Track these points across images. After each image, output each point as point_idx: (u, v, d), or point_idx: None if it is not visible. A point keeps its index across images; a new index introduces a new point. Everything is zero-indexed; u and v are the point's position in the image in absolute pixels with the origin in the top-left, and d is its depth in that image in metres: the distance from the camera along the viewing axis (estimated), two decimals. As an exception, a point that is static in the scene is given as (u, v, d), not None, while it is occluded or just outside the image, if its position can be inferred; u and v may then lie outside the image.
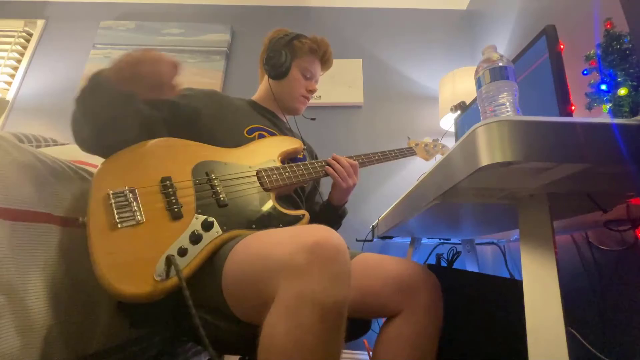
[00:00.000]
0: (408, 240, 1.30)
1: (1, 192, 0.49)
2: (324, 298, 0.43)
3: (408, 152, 1.05)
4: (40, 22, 2.05)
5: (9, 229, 0.48)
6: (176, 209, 0.60)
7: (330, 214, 0.91)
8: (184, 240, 0.57)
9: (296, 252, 0.45)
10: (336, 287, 0.44)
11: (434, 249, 1.48)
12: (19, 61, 1.96)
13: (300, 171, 0.79)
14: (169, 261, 0.52)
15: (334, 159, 0.85)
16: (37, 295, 0.50)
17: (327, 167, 0.83)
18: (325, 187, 1.04)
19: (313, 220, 0.87)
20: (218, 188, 0.66)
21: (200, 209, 0.62)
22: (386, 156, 0.98)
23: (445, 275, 0.70)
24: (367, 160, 0.93)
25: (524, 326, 0.40)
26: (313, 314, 0.42)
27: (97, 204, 0.56)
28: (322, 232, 0.48)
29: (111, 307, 0.62)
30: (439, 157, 1.09)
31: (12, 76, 1.92)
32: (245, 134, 0.81)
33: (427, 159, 1.11)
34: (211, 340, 0.58)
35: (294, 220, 0.71)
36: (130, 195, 0.58)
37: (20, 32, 1.99)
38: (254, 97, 0.98)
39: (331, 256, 0.45)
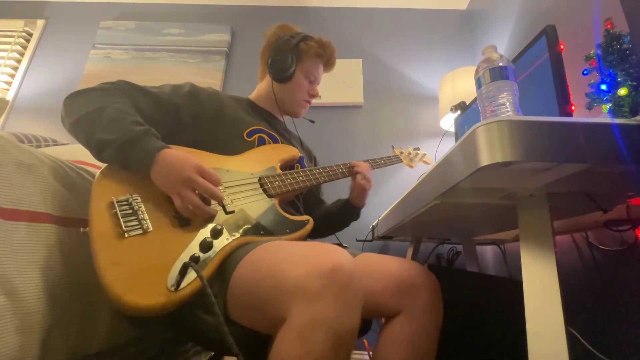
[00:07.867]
0: (408, 240, 1.31)
1: (1, 192, 0.49)
2: (337, 325, 0.43)
3: (396, 159, 1.10)
4: (40, 22, 2.04)
5: (9, 229, 0.48)
6: (184, 216, 0.59)
7: (351, 214, 0.95)
8: (194, 248, 0.56)
9: (311, 276, 0.45)
10: (349, 314, 0.44)
11: (434, 249, 1.49)
12: (19, 61, 1.95)
13: (301, 177, 0.79)
14: (185, 268, 0.51)
15: (354, 165, 0.90)
16: (37, 295, 0.50)
17: (355, 169, 0.90)
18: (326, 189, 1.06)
19: (324, 218, 0.93)
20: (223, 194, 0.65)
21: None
22: (377, 164, 1.01)
23: (445, 275, 0.70)
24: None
25: (524, 326, 0.40)
26: (325, 340, 0.41)
27: (100, 213, 0.54)
28: (337, 257, 0.47)
29: (111, 307, 0.62)
30: (421, 164, 1.25)
31: (12, 76, 1.92)
32: (245, 137, 0.81)
33: (411, 167, 1.19)
34: (212, 341, 0.58)
35: (300, 226, 0.73)
36: (135, 202, 0.57)
37: (20, 32, 1.99)
38: (252, 97, 0.97)
39: (346, 283, 0.45)
